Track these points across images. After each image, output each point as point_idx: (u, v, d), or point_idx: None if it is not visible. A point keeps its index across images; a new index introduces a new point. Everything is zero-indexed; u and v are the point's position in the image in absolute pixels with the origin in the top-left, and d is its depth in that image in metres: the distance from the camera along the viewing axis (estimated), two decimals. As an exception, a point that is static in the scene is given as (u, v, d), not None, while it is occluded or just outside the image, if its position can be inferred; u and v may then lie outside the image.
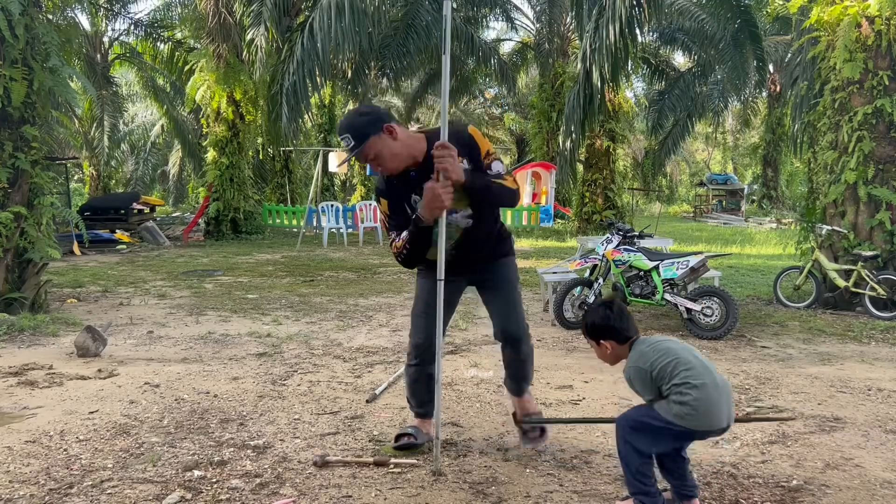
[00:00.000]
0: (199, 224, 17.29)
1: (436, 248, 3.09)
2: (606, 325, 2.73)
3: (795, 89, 9.51)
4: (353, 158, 3.05)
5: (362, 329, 6.44)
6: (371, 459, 3.24)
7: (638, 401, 2.73)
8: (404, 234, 3.09)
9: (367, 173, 22.09)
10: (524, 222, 18.60)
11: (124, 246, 14.59)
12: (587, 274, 6.81)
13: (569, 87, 16.79)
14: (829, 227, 7.46)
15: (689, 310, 6.20)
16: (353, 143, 2.94)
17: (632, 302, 6.65)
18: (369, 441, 3.54)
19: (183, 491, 2.94)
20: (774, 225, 21.37)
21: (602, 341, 2.75)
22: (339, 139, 3.07)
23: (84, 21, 18.98)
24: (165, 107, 21.71)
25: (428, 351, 3.26)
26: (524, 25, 23.22)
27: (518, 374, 3.45)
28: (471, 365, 5.10)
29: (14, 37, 6.51)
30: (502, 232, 3.38)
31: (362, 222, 15.88)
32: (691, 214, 28.56)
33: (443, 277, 3.10)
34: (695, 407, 2.49)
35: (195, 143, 22.69)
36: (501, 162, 3.13)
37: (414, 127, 29.26)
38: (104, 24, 20.45)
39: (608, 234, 6.87)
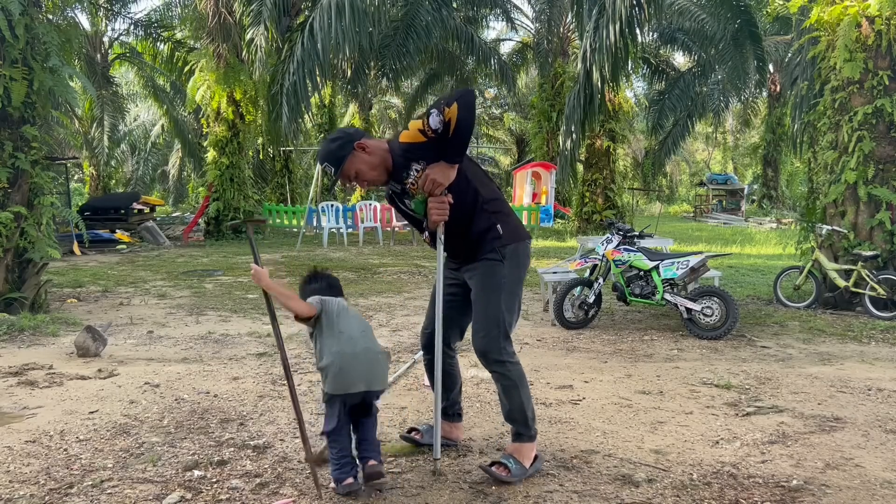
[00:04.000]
0: (199, 224, 17.29)
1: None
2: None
3: (795, 89, 9.52)
4: (339, 182, 3.23)
5: (362, 329, 6.43)
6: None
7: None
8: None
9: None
10: (524, 222, 18.60)
11: (124, 246, 14.59)
12: (587, 274, 6.81)
13: (569, 87, 16.81)
14: (829, 227, 7.46)
15: (689, 310, 6.20)
16: (333, 169, 3.10)
17: (632, 302, 6.65)
18: (369, 441, 3.54)
19: (183, 491, 2.94)
20: (774, 225, 21.38)
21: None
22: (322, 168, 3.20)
23: (84, 21, 19.01)
24: (165, 107, 21.70)
25: (430, 337, 3.30)
26: (524, 25, 23.23)
27: (503, 406, 3.18)
28: (471, 365, 5.10)
29: (14, 37, 6.51)
30: (488, 224, 3.11)
31: (362, 222, 15.88)
32: (691, 214, 28.57)
33: (443, 262, 3.19)
34: (326, 370, 2.90)
35: (195, 142, 22.69)
36: (433, 110, 2.93)
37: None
38: (104, 24, 20.45)
39: (608, 234, 6.87)
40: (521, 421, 3.14)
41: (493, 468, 3.05)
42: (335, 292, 3.12)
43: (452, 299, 3.29)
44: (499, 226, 3.13)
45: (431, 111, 2.94)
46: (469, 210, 3.11)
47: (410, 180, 3.08)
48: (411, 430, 3.50)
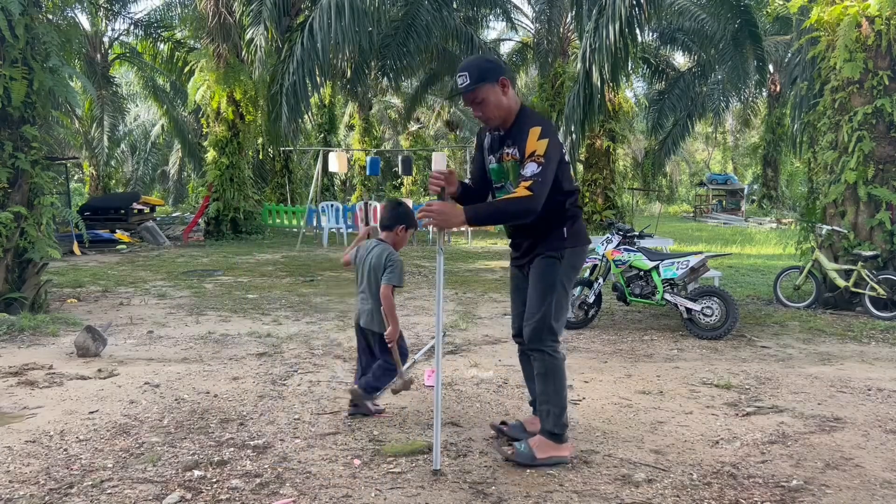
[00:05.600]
0: (199, 224, 17.29)
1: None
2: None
3: (795, 89, 9.51)
4: (460, 99, 3.22)
5: (362, 329, 6.42)
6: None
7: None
8: None
9: (367, 173, 22.05)
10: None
11: (124, 246, 14.58)
12: (587, 274, 6.81)
13: (569, 87, 16.80)
14: (829, 227, 7.47)
15: (689, 310, 6.20)
16: (468, 81, 3.09)
17: (632, 302, 6.65)
18: (369, 441, 3.54)
19: (183, 491, 2.94)
20: (774, 225, 21.39)
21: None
22: (456, 77, 3.20)
23: (84, 21, 18.97)
24: (165, 107, 21.71)
25: (518, 335, 3.45)
26: (524, 25, 23.20)
27: (537, 389, 3.29)
28: (471, 365, 5.10)
29: (14, 37, 6.51)
30: (556, 224, 3.18)
31: (362, 222, 15.88)
32: (691, 214, 28.59)
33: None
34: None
35: (195, 142, 22.69)
36: (537, 164, 3.01)
37: (414, 127, 29.25)
38: (104, 24, 20.42)
39: (608, 234, 6.87)
40: (544, 412, 3.23)
41: (504, 447, 3.25)
42: (388, 222, 3.98)
43: (521, 283, 3.40)
44: (565, 229, 3.21)
45: (538, 165, 3.00)
46: (553, 208, 3.14)
47: (505, 150, 3.19)
48: (503, 422, 3.60)
